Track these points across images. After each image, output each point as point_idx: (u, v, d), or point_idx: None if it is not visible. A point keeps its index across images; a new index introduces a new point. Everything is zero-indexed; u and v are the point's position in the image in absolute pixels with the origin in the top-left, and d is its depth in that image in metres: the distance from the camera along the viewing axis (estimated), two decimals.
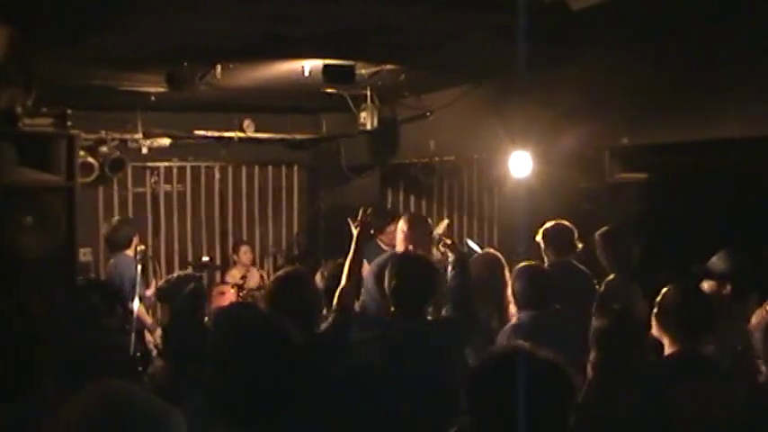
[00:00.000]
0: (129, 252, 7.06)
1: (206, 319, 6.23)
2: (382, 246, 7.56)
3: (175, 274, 6.78)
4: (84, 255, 7.53)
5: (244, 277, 8.22)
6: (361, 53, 5.67)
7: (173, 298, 5.82)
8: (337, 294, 4.03)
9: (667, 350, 3.66)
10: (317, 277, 4.86)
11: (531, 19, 4.08)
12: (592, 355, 3.74)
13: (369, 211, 4.44)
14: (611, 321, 3.81)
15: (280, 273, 4.22)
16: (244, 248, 8.68)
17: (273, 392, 2.51)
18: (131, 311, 6.11)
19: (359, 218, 4.39)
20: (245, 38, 5.10)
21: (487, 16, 4.47)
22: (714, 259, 4.78)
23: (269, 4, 4.31)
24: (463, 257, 4.65)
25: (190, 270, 7.91)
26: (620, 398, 3.46)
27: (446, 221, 6.42)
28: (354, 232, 4.35)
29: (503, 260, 5.48)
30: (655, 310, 3.76)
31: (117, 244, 7.13)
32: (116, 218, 7.86)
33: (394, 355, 3.87)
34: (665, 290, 3.79)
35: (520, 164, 6.71)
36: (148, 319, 7.18)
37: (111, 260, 7.16)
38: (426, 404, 3.72)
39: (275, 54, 5.60)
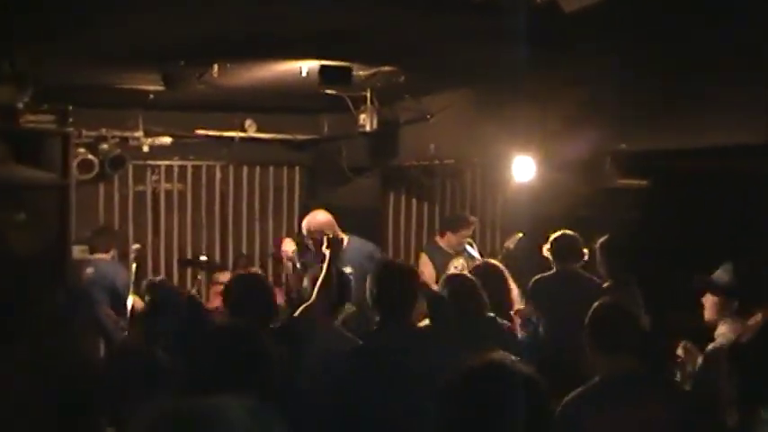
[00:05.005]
0: (106, 256, 7.35)
1: None
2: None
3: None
4: (83, 252, 7.55)
5: None
6: (356, 55, 5.63)
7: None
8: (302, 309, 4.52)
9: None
10: (305, 281, 4.86)
11: (524, 21, 4.05)
12: None
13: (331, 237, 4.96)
14: None
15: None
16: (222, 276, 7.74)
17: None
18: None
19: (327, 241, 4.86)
20: (239, 37, 5.07)
21: (481, 18, 4.43)
22: (719, 272, 4.50)
23: (261, 3, 4.29)
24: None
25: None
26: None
27: (520, 234, 6.58)
28: (326, 252, 4.75)
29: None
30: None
31: (95, 249, 7.33)
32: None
33: (381, 363, 3.82)
34: (594, 308, 3.72)
35: (522, 168, 6.64)
36: None
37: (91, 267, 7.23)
38: (415, 410, 3.67)
39: (270, 54, 5.57)
